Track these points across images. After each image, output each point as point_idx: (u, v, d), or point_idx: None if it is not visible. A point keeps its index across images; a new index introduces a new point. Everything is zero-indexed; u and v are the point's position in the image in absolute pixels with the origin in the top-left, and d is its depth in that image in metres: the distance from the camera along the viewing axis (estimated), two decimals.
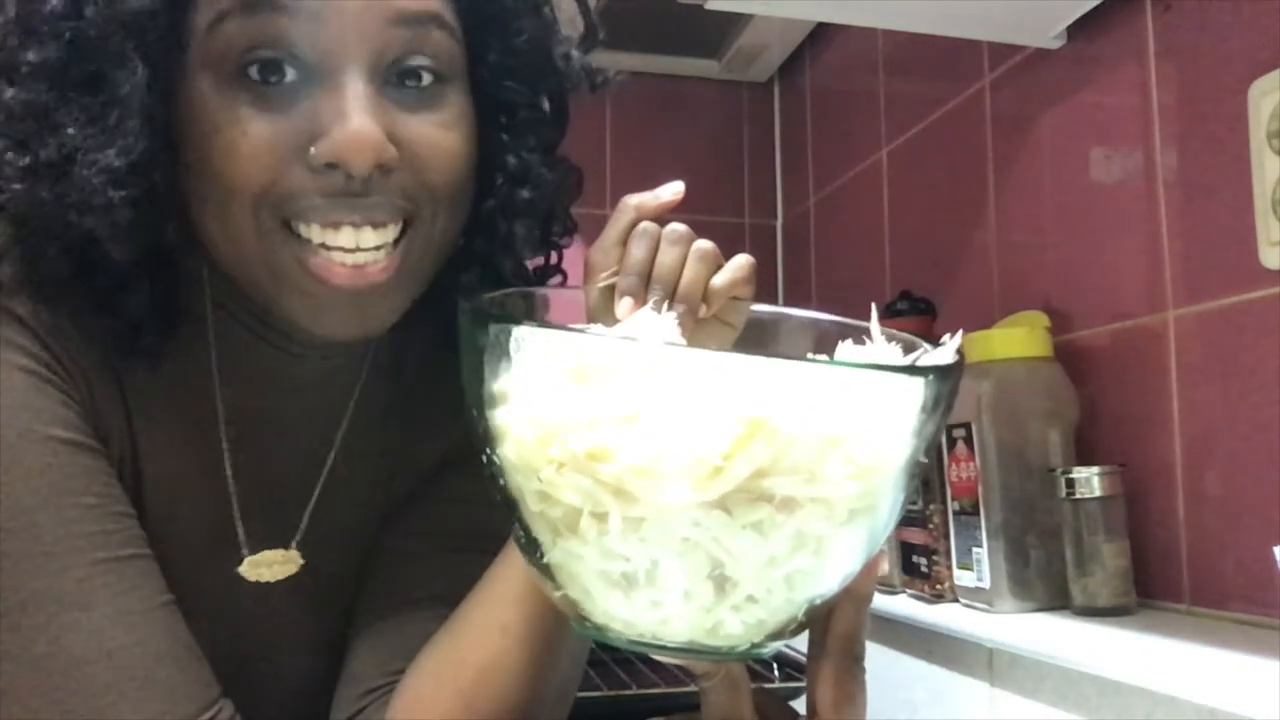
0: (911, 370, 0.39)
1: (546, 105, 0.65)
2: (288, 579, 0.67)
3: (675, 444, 0.36)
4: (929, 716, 1.06)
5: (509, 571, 0.62)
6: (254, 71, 0.54)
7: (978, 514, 1.08)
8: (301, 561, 0.67)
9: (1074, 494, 1.02)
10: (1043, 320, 1.17)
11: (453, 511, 0.72)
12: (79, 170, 0.53)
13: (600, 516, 0.37)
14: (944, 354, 0.42)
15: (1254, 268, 0.94)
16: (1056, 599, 1.06)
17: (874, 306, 0.46)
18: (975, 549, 1.09)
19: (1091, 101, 1.18)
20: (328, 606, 0.71)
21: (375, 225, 0.56)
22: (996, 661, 0.96)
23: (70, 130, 0.53)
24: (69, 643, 0.53)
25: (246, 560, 0.65)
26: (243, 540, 0.65)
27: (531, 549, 0.41)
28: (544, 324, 0.40)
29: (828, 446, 0.37)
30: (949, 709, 1.03)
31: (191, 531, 0.64)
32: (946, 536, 1.14)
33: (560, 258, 0.72)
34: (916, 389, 0.38)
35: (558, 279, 0.72)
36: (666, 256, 0.59)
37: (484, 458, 0.41)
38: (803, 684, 1.20)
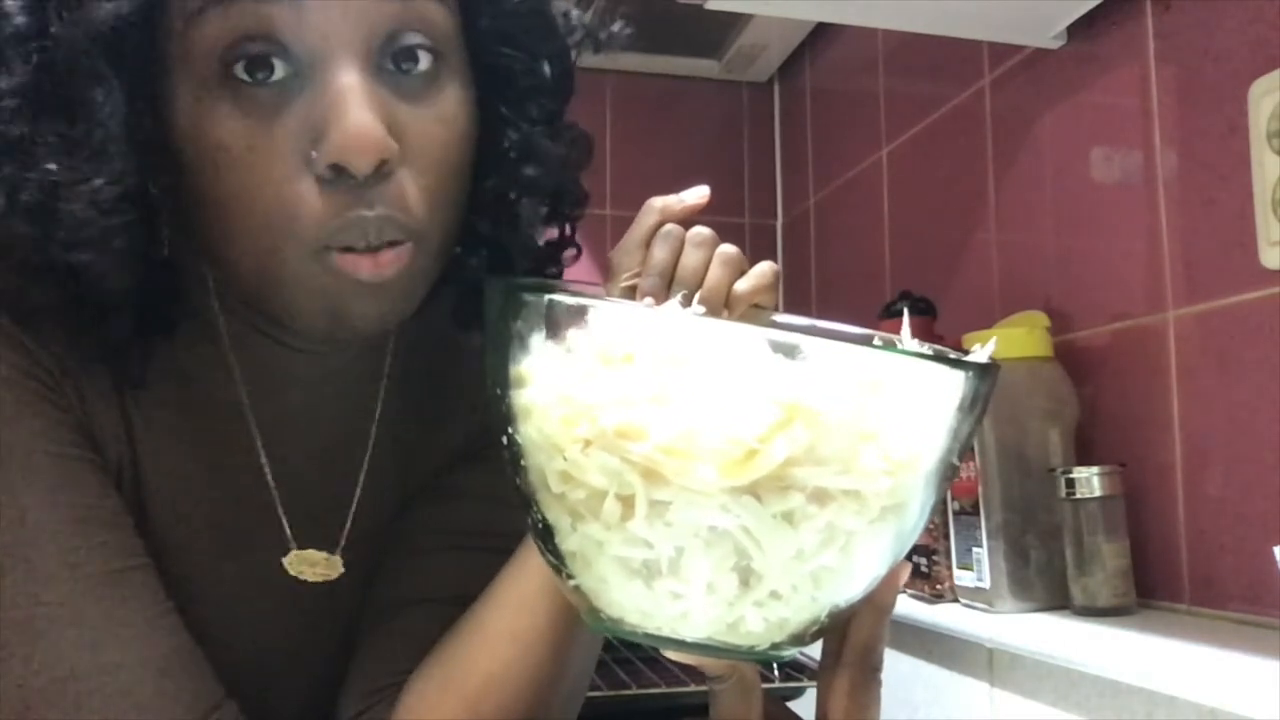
0: (953, 363, 0.38)
1: (547, 70, 0.60)
2: (330, 584, 0.66)
3: (709, 424, 0.35)
4: (929, 716, 1.06)
5: (519, 578, 0.62)
6: (240, 70, 0.50)
7: (978, 514, 1.08)
8: (343, 570, 0.66)
9: (1074, 494, 1.02)
10: (1043, 320, 1.17)
11: (465, 507, 0.72)
12: (65, 205, 0.50)
13: (626, 500, 0.36)
14: (980, 356, 0.40)
15: (1254, 268, 0.94)
16: (1056, 599, 1.06)
17: (905, 311, 0.45)
18: (975, 549, 1.09)
19: (1091, 101, 1.18)
20: (356, 608, 0.70)
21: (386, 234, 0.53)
22: (996, 661, 0.96)
23: (50, 165, 0.49)
24: (59, 660, 0.53)
25: (293, 553, 0.64)
26: (289, 536, 0.64)
27: (547, 535, 0.40)
28: (581, 294, 0.39)
29: (863, 438, 0.36)
30: (949, 709, 1.03)
31: (213, 531, 0.63)
32: (946, 536, 1.14)
33: (574, 230, 0.68)
34: (956, 384, 0.38)
35: (571, 252, 0.68)
36: (690, 259, 0.58)
37: (504, 438, 0.40)
38: (803, 684, 1.20)
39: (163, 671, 0.55)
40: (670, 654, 0.41)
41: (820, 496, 0.36)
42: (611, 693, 1.15)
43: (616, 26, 0.64)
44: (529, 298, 0.40)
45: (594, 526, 0.37)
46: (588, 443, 0.36)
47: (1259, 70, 0.94)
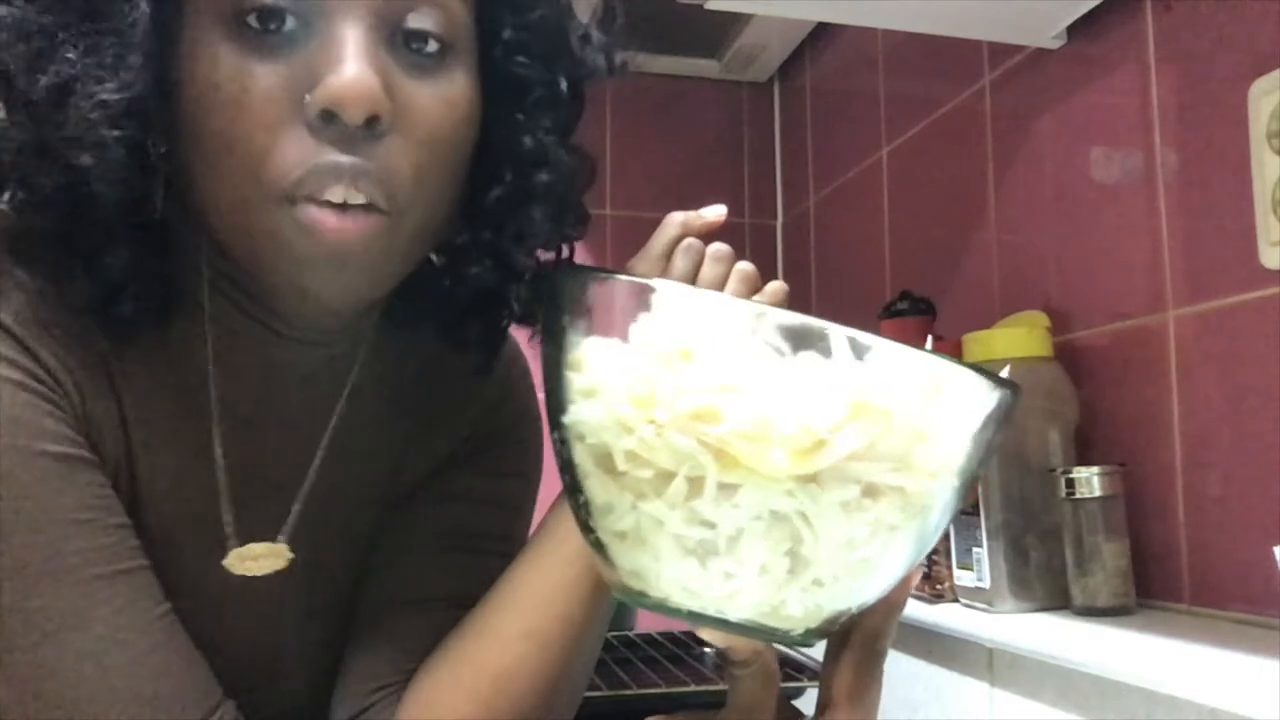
0: (999, 381, 0.40)
1: (563, 86, 0.62)
2: (284, 577, 0.65)
3: (785, 412, 0.36)
4: (929, 716, 1.06)
5: (531, 577, 0.63)
6: (253, 20, 0.52)
7: (978, 514, 1.08)
8: (290, 555, 0.65)
9: (1074, 494, 1.02)
10: (1043, 320, 1.17)
11: (461, 510, 0.72)
12: (75, 101, 0.51)
13: (694, 481, 0.37)
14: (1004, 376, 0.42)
15: (1254, 268, 0.94)
16: (1056, 599, 1.06)
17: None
18: (975, 549, 1.09)
19: (1091, 101, 1.18)
20: (329, 605, 0.70)
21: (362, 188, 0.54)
22: (996, 661, 0.96)
23: (70, 56, 0.51)
24: (64, 664, 0.52)
25: (232, 553, 0.63)
26: (230, 533, 0.63)
27: (599, 514, 0.41)
28: (651, 280, 0.40)
29: (917, 439, 0.38)
30: (949, 709, 1.03)
31: (185, 528, 0.62)
32: (946, 536, 1.14)
33: (573, 253, 0.69)
34: (994, 398, 0.40)
35: None
36: (709, 272, 0.62)
37: (558, 419, 0.41)
38: (803, 684, 1.20)
39: (164, 673, 0.55)
40: (707, 633, 0.42)
41: (872, 491, 0.38)
42: (611, 693, 1.15)
43: (629, 55, 0.66)
44: (597, 279, 0.41)
45: (656, 504, 0.38)
46: (660, 424, 0.38)
47: (1259, 70, 0.94)
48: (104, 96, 0.51)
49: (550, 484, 0.68)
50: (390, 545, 0.71)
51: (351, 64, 0.51)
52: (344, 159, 0.52)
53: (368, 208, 0.53)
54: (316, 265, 0.54)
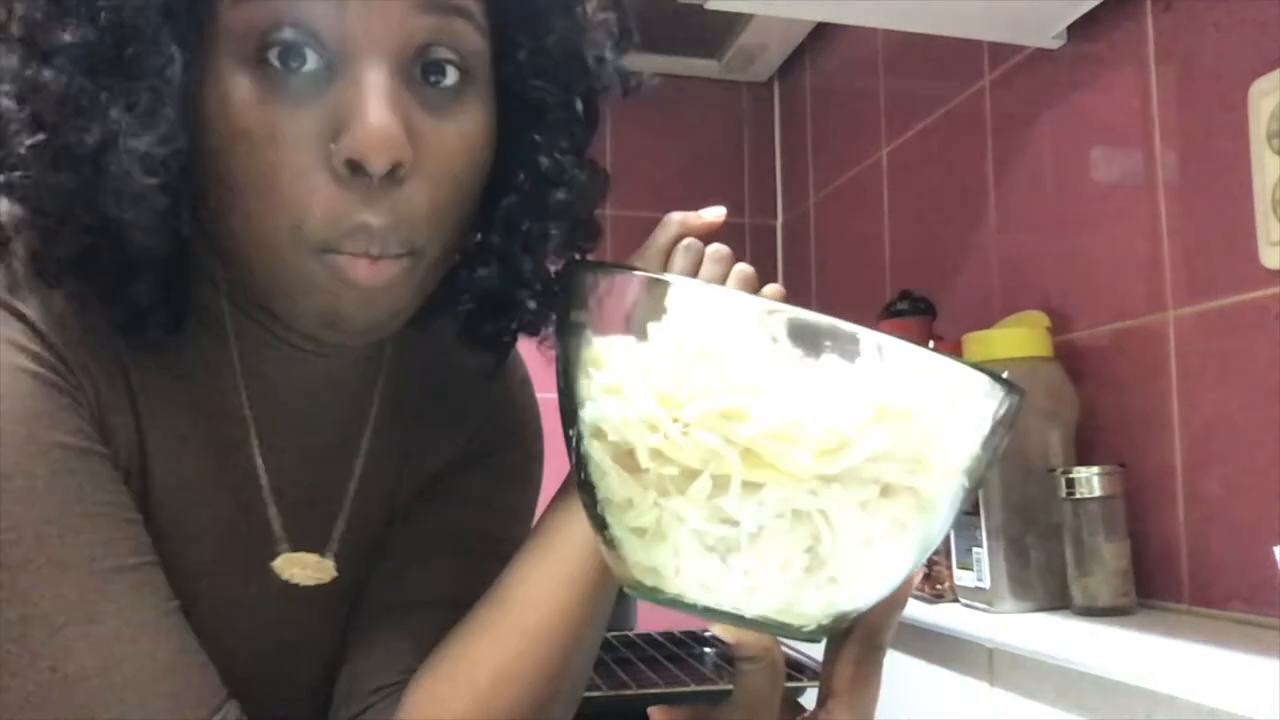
0: (1009, 386, 0.40)
1: (580, 106, 0.62)
2: (319, 586, 0.65)
3: (812, 414, 0.37)
4: (929, 716, 1.06)
5: (530, 574, 0.63)
6: (274, 57, 0.52)
7: (978, 514, 1.08)
8: (335, 574, 0.66)
9: (1074, 494, 1.02)
10: (1043, 320, 1.17)
11: (463, 513, 0.72)
12: (117, 157, 0.51)
13: (719, 479, 0.38)
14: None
15: (1254, 268, 0.94)
16: (1056, 599, 1.06)
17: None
18: (975, 549, 1.09)
19: (1091, 101, 1.18)
20: (345, 610, 0.70)
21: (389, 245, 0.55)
22: (996, 661, 0.96)
23: (113, 114, 0.51)
24: (74, 656, 0.52)
25: (283, 556, 0.64)
26: (280, 536, 0.64)
27: (616, 510, 0.41)
28: (672, 277, 0.41)
29: (933, 442, 0.39)
30: (949, 709, 1.03)
31: (212, 532, 0.63)
32: (946, 536, 1.14)
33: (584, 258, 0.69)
34: (1005, 402, 0.40)
35: None
36: (708, 273, 0.62)
37: (576, 418, 0.41)
38: (803, 684, 1.20)
39: (171, 671, 0.55)
40: (719, 628, 0.43)
41: (889, 491, 0.38)
42: (611, 693, 1.15)
43: (647, 75, 0.66)
44: (615, 274, 0.41)
45: (678, 501, 0.39)
46: (687, 423, 0.38)
47: (1259, 70, 0.94)
48: (146, 150, 0.51)
49: (550, 486, 0.69)
50: (391, 548, 0.72)
51: (375, 113, 0.51)
52: (372, 221, 0.53)
53: (395, 256, 0.54)
54: (343, 305, 0.55)
